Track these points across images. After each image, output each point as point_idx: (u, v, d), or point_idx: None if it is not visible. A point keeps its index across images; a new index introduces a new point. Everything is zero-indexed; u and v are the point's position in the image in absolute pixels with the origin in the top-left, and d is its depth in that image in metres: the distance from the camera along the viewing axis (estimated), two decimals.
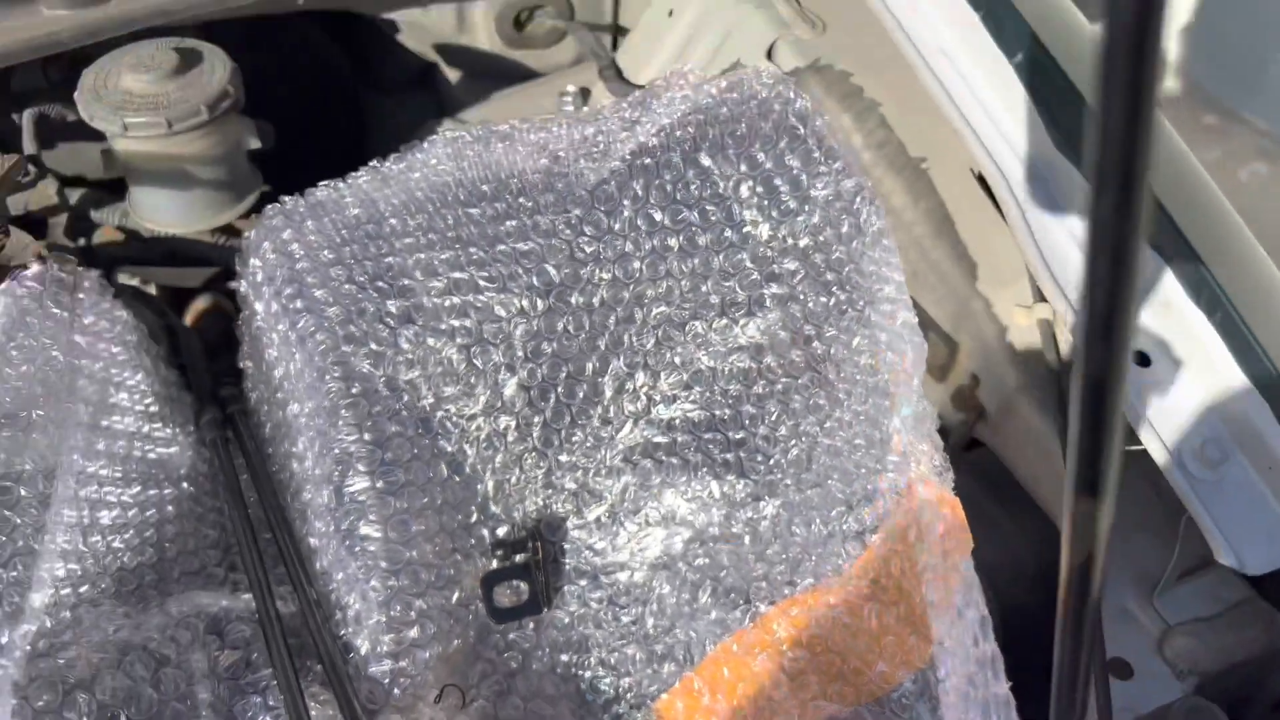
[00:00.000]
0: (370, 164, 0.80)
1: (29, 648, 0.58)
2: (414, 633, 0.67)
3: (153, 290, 1.06)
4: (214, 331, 0.99)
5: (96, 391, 0.71)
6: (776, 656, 0.63)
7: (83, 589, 0.66)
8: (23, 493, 0.62)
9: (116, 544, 0.70)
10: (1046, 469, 0.75)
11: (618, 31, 1.28)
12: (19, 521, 0.61)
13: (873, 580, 0.60)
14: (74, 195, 0.99)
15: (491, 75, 1.25)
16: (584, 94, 1.12)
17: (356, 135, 1.30)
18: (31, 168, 0.97)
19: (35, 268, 0.73)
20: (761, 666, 0.63)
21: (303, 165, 1.01)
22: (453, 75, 1.28)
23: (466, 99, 1.23)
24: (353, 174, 0.80)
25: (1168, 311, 0.68)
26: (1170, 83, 0.93)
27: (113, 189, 0.99)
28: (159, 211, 0.91)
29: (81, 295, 0.73)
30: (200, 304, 1.00)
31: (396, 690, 0.65)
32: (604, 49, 1.16)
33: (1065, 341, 0.75)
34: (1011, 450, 0.79)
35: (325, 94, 1.26)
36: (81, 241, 1.00)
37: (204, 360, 0.90)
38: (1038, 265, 0.72)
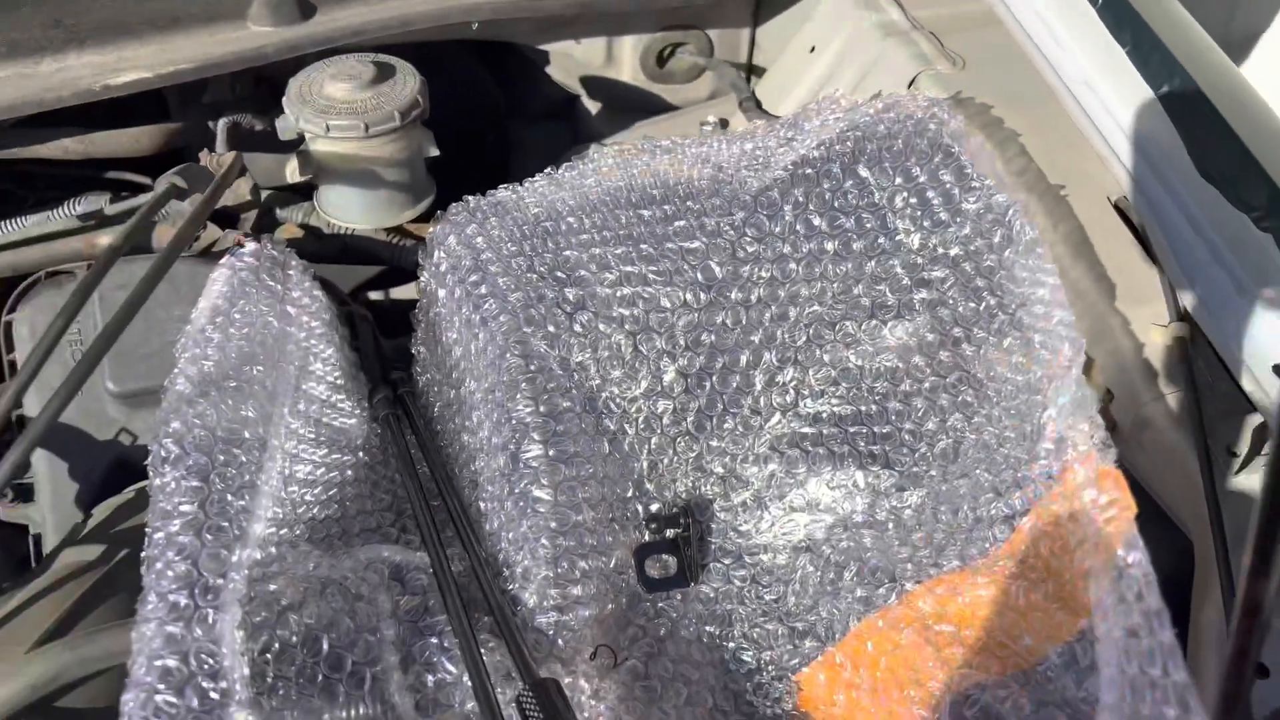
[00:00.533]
0: (545, 171, 0.88)
1: (247, 571, 0.64)
2: (577, 590, 0.72)
3: None
4: None
5: (300, 357, 0.79)
6: (922, 630, 0.66)
7: (283, 531, 0.73)
8: (246, 435, 0.69)
9: (308, 496, 0.77)
10: (1179, 482, 0.77)
11: (751, 71, 1.35)
12: (244, 459, 0.68)
13: (1020, 560, 0.63)
14: (263, 195, 1.08)
15: (631, 107, 1.33)
16: (723, 124, 1.19)
17: (503, 160, 1.39)
18: None
19: (251, 245, 0.82)
20: (907, 639, 0.67)
21: (456, 182, 1.10)
22: (593, 106, 1.37)
23: (606, 129, 1.32)
24: (529, 179, 0.88)
25: None
26: None
27: (297, 192, 1.09)
28: (344, 209, 0.99)
29: (290, 272, 0.82)
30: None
31: (560, 642, 0.70)
32: (744, 82, 1.23)
33: (1199, 359, 0.78)
34: (1143, 464, 0.81)
35: (480, 119, 1.35)
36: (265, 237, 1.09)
37: (375, 347, 0.98)
38: (1181, 282, 0.75)
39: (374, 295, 1.11)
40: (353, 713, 0.65)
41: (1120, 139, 0.80)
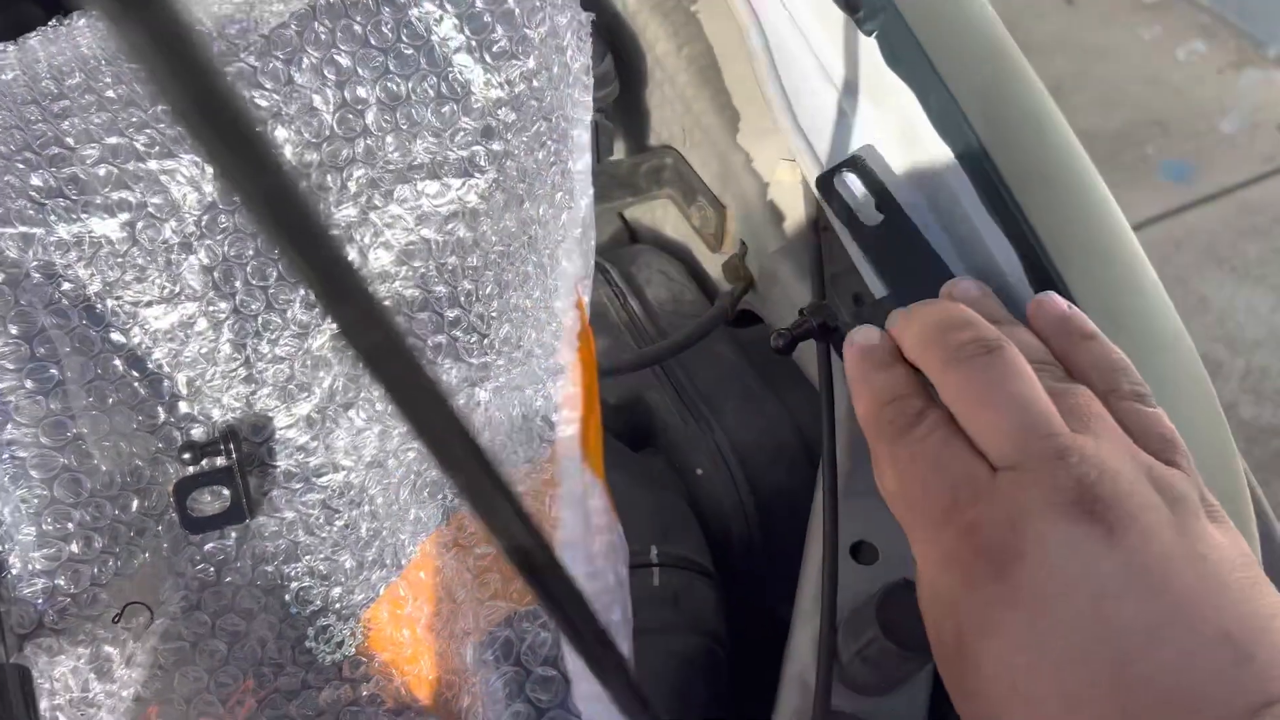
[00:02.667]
0: (50, 22, 0.70)
1: None
2: (74, 547, 0.59)
3: None
4: None
5: None
6: (465, 556, 0.56)
7: None
8: None
9: None
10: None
11: None
12: None
13: (558, 464, 0.52)
14: None
15: None
16: None
17: None
18: None
19: None
20: (449, 567, 0.56)
21: None
22: None
23: None
24: (25, 35, 0.70)
25: None
26: None
27: None
28: None
29: None
30: None
31: (51, 612, 0.58)
32: None
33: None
34: (778, 320, 0.71)
35: None
36: None
37: None
38: (779, 106, 0.63)
39: None
40: None
41: None
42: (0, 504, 0.59)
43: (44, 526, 0.58)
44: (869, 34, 0.60)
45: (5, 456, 0.59)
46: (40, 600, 0.58)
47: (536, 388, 0.57)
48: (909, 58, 0.59)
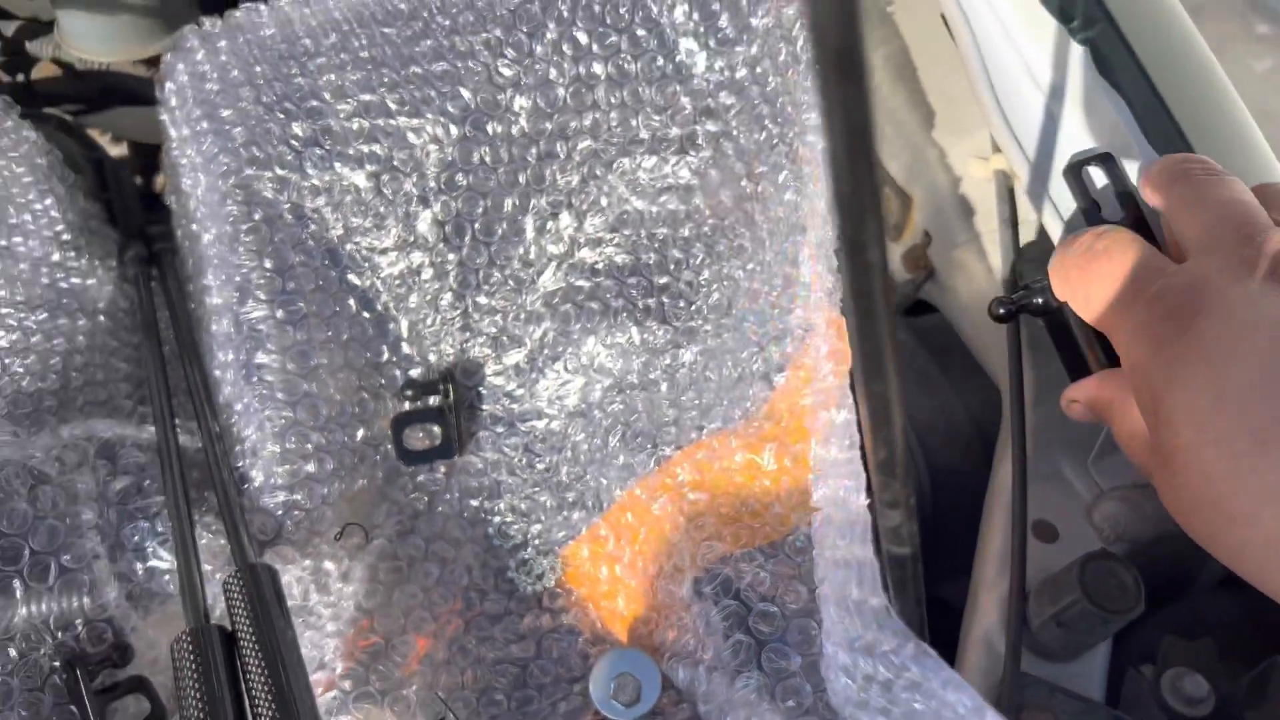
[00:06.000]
0: None
1: None
2: (311, 466, 0.64)
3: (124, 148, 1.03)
4: None
5: None
6: (678, 500, 0.60)
7: None
8: None
9: (16, 367, 0.68)
10: (990, 330, 0.71)
11: None
12: None
13: (775, 421, 0.56)
14: (9, 29, 0.95)
15: None
16: None
17: None
18: None
19: None
20: (662, 509, 0.60)
21: None
22: None
23: None
24: None
25: None
26: None
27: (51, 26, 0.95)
28: (85, 38, 0.87)
29: None
30: None
31: (289, 523, 0.63)
32: None
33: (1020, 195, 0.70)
34: (957, 311, 0.74)
35: None
36: (20, 77, 0.96)
37: (135, 197, 0.88)
38: (990, 108, 0.66)
39: None
40: (38, 608, 0.58)
41: None
42: (246, 422, 0.65)
43: (286, 445, 0.64)
44: (1081, 43, 0.64)
45: (255, 379, 0.64)
46: (280, 512, 0.63)
47: (752, 351, 0.61)
48: (1122, 67, 0.62)
